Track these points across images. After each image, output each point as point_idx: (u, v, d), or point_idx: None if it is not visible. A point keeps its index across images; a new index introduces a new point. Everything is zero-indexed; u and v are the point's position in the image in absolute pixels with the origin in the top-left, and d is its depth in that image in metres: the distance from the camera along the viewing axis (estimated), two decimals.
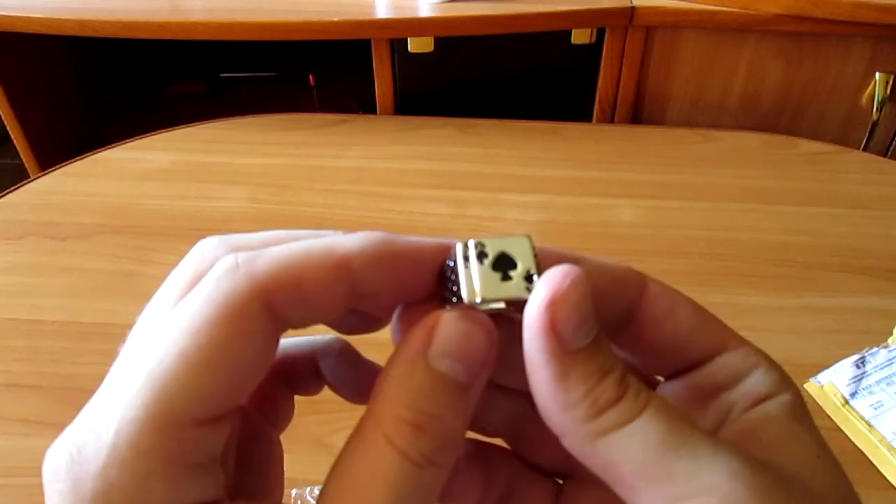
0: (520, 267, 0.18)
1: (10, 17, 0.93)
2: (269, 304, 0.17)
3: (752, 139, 0.89)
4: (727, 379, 0.19)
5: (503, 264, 0.18)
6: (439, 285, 0.19)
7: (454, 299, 0.18)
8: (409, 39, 0.98)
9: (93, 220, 0.74)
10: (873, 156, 0.88)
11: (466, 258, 0.18)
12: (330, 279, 0.18)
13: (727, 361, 0.19)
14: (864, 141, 0.98)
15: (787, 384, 0.19)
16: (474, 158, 0.84)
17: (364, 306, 0.19)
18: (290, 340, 0.23)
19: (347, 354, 0.23)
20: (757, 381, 0.19)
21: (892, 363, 0.55)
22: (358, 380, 0.23)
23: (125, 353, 0.18)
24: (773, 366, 0.20)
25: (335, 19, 0.90)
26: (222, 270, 0.17)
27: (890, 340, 0.57)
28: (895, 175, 0.81)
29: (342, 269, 0.18)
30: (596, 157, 0.85)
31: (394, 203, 0.77)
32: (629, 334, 0.20)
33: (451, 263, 0.19)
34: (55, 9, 0.94)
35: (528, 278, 0.18)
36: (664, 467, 0.16)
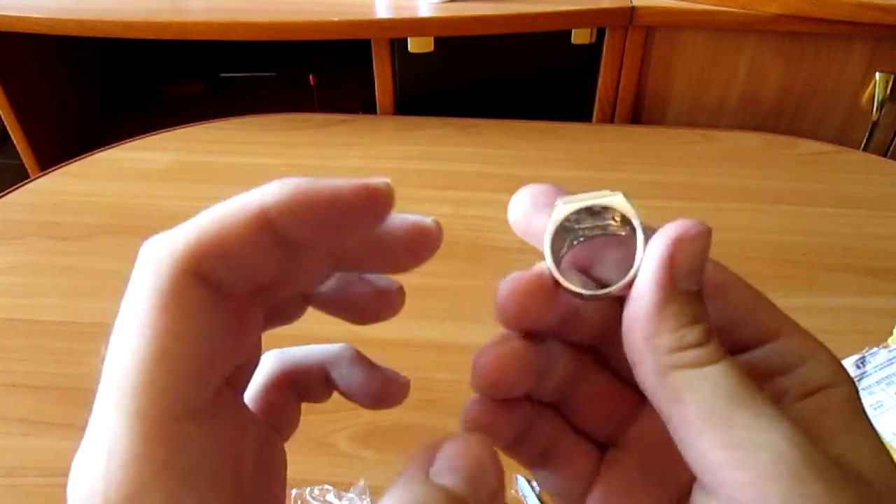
0: (617, 216, 0.21)
1: (10, 17, 0.93)
2: (198, 273, 0.17)
3: (752, 139, 0.89)
4: (782, 364, 0.19)
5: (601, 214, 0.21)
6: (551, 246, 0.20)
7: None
8: (409, 39, 0.98)
9: (93, 220, 0.74)
10: (873, 156, 0.88)
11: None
12: (250, 232, 0.18)
13: (782, 347, 0.19)
14: (864, 141, 0.98)
15: (845, 376, 0.19)
16: (474, 158, 0.84)
17: (306, 258, 0.19)
18: (300, 349, 0.23)
19: (359, 361, 0.23)
20: (814, 370, 0.19)
21: (892, 363, 0.55)
22: (371, 386, 0.23)
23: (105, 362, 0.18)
24: (832, 357, 0.19)
25: (335, 19, 0.90)
26: (145, 257, 0.17)
27: (890, 340, 0.57)
28: (895, 175, 0.81)
29: (260, 220, 0.18)
30: (596, 157, 0.85)
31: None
32: None
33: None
34: (55, 9, 0.94)
35: (627, 222, 0.20)
36: (728, 414, 0.17)
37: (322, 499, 0.47)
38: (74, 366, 0.58)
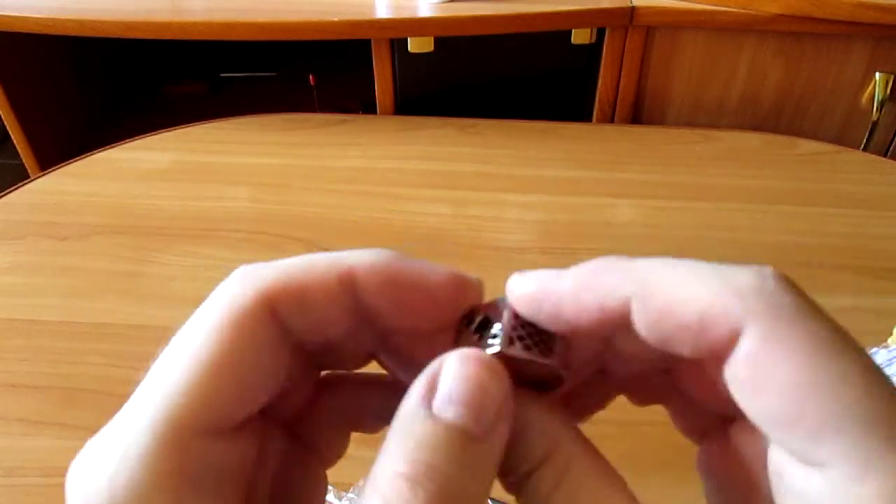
0: (495, 328, 0.18)
1: (10, 17, 0.93)
2: (273, 310, 0.17)
3: (752, 139, 0.89)
4: (829, 497, 0.14)
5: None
6: (456, 333, 0.19)
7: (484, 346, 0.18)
8: (409, 39, 0.98)
9: (93, 220, 0.74)
10: (873, 156, 0.88)
11: (489, 321, 0.18)
12: (333, 289, 0.18)
13: (834, 477, 0.14)
14: (864, 141, 0.98)
15: None
16: (474, 158, 0.84)
17: (372, 326, 0.19)
18: (359, 378, 0.22)
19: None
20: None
21: (892, 363, 0.55)
22: None
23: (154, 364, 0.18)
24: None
25: (335, 19, 0.90)
26: (231, 278, 0.18)
27: (890, 340, 0.57)
28: (895, 175, 0.81)
29: (345, 280, 0.18)
30: (596, 157, 0.85)
31: (394, 203, 0.77)
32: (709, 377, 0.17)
33: (477, 319, 0.19)
34: (55, 9, 0.94)
35: (494, 336, 0.18)
36: None
37: (322, 498, 0.47)
38: (74, 366, 0.58)
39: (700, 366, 0.17)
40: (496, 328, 0.18)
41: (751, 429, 0.16)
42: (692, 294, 0.16)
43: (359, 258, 0.18)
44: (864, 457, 0.14)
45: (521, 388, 0.18)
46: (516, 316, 0.18)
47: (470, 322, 0.19)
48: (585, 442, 0.18)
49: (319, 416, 0.21)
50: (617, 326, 0.17)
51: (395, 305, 0.18)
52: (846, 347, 0.15)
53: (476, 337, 0.18)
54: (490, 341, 0.18)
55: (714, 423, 0.20)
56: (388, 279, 0.18)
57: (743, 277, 0.16)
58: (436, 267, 0.19)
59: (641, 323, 0.16)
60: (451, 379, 0.16)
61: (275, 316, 0.17)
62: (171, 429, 0.16)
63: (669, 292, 0.16)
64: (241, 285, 0.17)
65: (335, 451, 0.22)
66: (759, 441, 0.17)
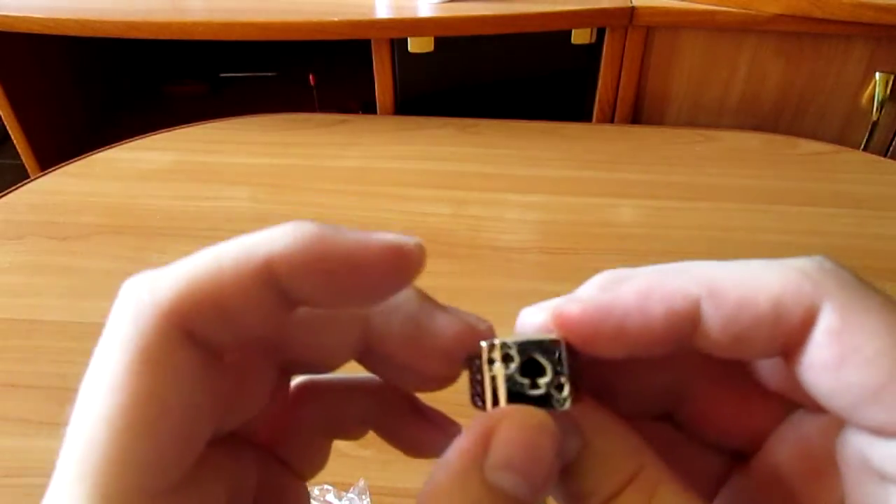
0: (549, 375, 0.16)
1: (10, 17, 0.93)
2: (186, 329, 0.14)
3: (752, 139, 0.89)
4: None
5: (531, 370, 0.16)
6: (470, 379, 0.17)
7: (479, 402, 0.17)
8: (409, 39, 0.98)
9: (93, 220, 0.74)
10: (873, 156, 0.88)
11: (491, 360, 0.16)
12: (250, 287, 0.15)
13: None
14: (864, 141, 0.98)
15: None
16: (474, 158, 0.84)
17: (318, 315, 0.17)
18: (335, 381, 0.20)
19: (406, 407, 0.20)
20: None
21: None
22: (417, 438, 0.20)
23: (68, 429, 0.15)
24: None
25: (335, 19, 0.90)
26: (125, 302, 0.15)
27: None
28: (895, 175, 0.81)
29: (263, 274, 0.15)
30: (596, 157, 0.85)
31: (394, 203, 0.77)
32: (793, 365, 0.16)
33: (477, 362, 0.17)
34: (55, 9, 0.94)
35: (559, 387, 0.16)
36: None
37: (322, 499, 0.47)
38: (74, 366, 0.58)
39: (725, 386, 0.17)
40: (548, 377, 0.16)
41: (793, 438, 0.16)
42: (763, 283, 0.15)
43: (277, 243, 0.15)
44: None
45: (598, 406, 0.16)
46: (565, 356, 0.16)
47: (498, 360, 0.16)
48: (662, 461, 0.16)
49: (296, 428, 0.19)
50: (681, 338, 0.16)
51: (328, 291, 0.15)
52: None
53: (525, 383, 0.16)
54: (554, 394, 0.16)
55: (723, 464, 0.19)
56: (313, 263, 0.15)
57: (802, 262, 0.15)
58: (365, 237, 0.16)
59: (714, 323, 0.15)
60: (509, 445, 0.15)
61: (189, 334, 0.14)
62: (117, 501, 0.13)
63: (739, 286, 0.15)
64: (139, 312, 0.14)
65: (316, 463, 0.20)
66: (813, 442, 0.17)
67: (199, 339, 0.15)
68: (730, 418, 0.18)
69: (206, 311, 0.14)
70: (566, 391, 0.16)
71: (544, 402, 0.16)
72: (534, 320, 0.17)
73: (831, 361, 0.14)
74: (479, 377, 0.17)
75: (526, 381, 0.16)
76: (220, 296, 0.14)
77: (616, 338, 0.15)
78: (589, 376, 0.17)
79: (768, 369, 0.17)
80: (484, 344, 0.16)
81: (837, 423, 0.16)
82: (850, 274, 0.15)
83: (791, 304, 0.15)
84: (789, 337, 0.15)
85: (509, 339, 0.16)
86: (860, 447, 0.15)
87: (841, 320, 0.14)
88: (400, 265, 0.16)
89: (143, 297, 0.15)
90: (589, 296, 0.16)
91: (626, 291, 0.16)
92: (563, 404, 0.16)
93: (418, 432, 0.20)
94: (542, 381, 0.16)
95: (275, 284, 0.15)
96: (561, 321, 0.16)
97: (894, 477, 0.14)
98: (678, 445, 0.19)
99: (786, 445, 0.17)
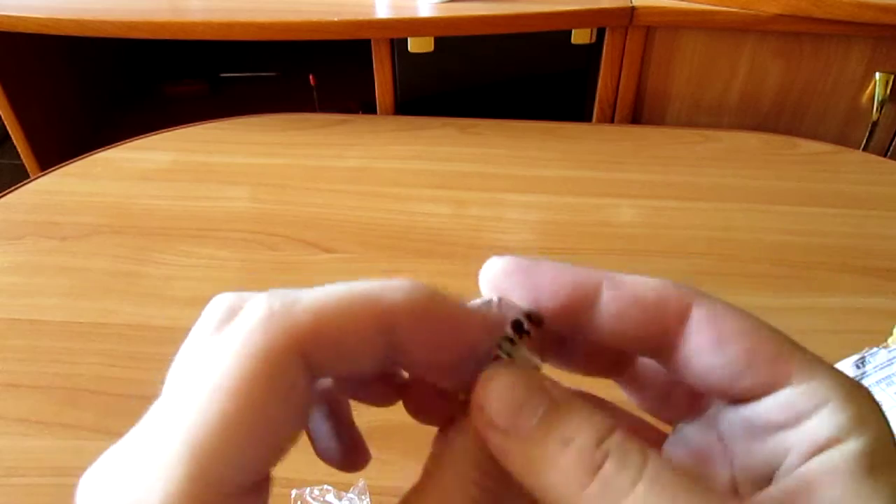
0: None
1: (10, 17, 0.93)
2: (305, 355, 0.16)
3: (752, 139, 0.89)
4: (786, 417, 0.17)
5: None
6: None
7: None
8: (409, 39, 0.98)
9: (93, 220, 0.74)
10: (873, 156, 0.88)
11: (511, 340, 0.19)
12: (371, 332, 0.17)
13: (788, 397, 0.17)
14: (864, 141, 0.98)
15: (860, 426, 0.16)
16: (474, 158, 0.84)
17: (399, 362, 0.19)
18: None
19: (332, 417, 0.22)
20: (821, 423, 0.17)
21: (892, 363, 0.55)
22: (335, 447, 0.22)
23: (165, 398, 0.17)
24: (850, 402, 0.17)
25: (335, 19, 0.90)
26: (256, 318, 0.16)
27: (890, 340, 0.57)
28: (895, 175, 0.81)
29: (384, 323, 0.17)
30: (596, 157, 0.85)
31: (394, 203, 0.77)
32: (673, 360, 0.19)
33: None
34: (55, 9, 0.94)
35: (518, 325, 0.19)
36: None
37: (322, 499, 0.47)
38: (74, 366, 0.58)
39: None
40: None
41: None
42: (649, 284, 0.19)
43: (394, 297, 0.17)
44: (812, 363, 0.18)
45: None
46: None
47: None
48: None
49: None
50: (583, 309, 0.19)
51: (427, 345, 0.18)
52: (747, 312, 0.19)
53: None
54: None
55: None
56: (425, 320, 0.17)
57: (669, 280, 0.19)
58: (466, 306, 0.18)
59: (610, 305, 0.18)
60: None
61: (306, 359, 0.16)
62: (209, 493, 0.15)
63: (632, 281, 0.19)
64: (270, 329, 0.16)
65: None
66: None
67: (312, 365, 0.16)
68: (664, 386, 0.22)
69: (328, 346, 0.16)
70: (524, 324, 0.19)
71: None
72: (504, 267, 0.20)
73: (709, 342, 0.18)
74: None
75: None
76: (342, 334, 0.17)
77: (531, 293, 0.19)
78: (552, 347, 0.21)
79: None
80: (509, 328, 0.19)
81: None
82: (706, 292, 0.19)
83: (671, 298, 0.18)
84: (670, 325, 0.18)
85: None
86: (740, 418, 0.19)
87: (712, 311, 0.18)
88: (487, 330, 0.18)
89: (274, 315, 0.16)
90: (521, 260, 0.19)
91: (546, 262, 0.19)
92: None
93: (338, 447, 0.22)
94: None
95: (389, 332, 0.17)
96: (491, 269, 0.19)
97: (776, 423, 0.17)
98: (616, 410, 0.22)
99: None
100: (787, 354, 0.18)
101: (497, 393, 0.17)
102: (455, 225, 0.73)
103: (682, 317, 0.18)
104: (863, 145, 0.98)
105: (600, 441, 0.16)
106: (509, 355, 0.18)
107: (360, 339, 0.17)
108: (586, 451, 0.16)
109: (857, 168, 0.83)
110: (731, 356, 0.18)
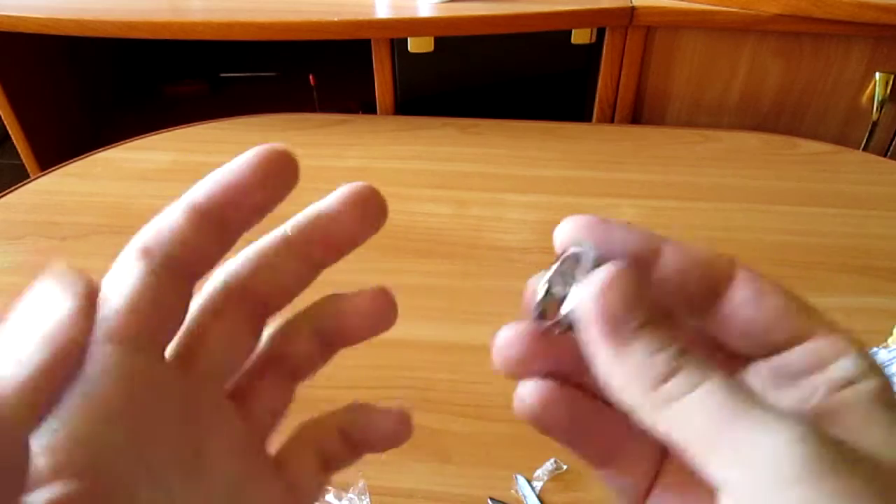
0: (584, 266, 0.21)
1: (10, 17, 0.93)
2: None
3: (752, 139, 0.89)
4: (812, 364, 0.20)
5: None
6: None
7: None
8: (409, 39, 0.98)
9: (93, 220, 0.74)
10: (873, 156, 0.88)
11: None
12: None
13: (814, 347, 0.20)
14: (864, 141, 0.98)
15: (875, 371, 0.19)
16: (474, 158, 0.84)
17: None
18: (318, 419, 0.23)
19: (371, 408, 0.24)
20: (843, 367, 0.19)
21: (893, 363, 0.55)
22: (385, 427, 0.24)
23: None
24: (865, 355, 0.20)
25: (335, 19, 0.90)
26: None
27: (890, 340, 0.57)
28: (895, 175, 0.81)
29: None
30: (596, 157, 0.85)
31: (394, 203, 0.76)
32: (717, 315, 0.21)
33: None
34: (55, 9, 0.94)
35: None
36: (723, 435, 0.17)
37: (322, 499, 0.47)
38: None
39: None
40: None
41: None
42: (698, 247, 0.21)
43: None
44: (832, 323, 0.21)
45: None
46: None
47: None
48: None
49: (292, 462, 0.23)
50: (648, 264, 0.21)
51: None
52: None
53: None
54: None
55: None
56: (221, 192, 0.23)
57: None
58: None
59: (672, 260, 0.21)
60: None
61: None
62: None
63: (687, 245, 0.21)
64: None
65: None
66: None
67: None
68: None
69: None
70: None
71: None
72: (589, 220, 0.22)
73: (751, 296, 0.20)
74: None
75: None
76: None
77: (606, 244, 0.21)
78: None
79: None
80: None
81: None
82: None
83: (718, 261, 0.21)
84: (719, 281, 0.21)
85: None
86: (769, 368, 0.21)
87: (751, 272, 0.21)
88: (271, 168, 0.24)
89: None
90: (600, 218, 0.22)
91: (615, 221, 0.21)
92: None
93: (387, 425, 0.24)
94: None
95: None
96: (568, 226, 0.22)
97: (805, 368, 0.20)
98: (626, 433, 0.23)
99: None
100: (811, 312, 0.21)
101: (613, 289, 0.19)
102: (455, 225, 0.73)
103: (730, 275, 0.21)
104: (863, 145, 0.98)
105: (682, 352, 0.18)
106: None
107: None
108: (670, 357, 0.18)
109: (857, 168, 0.83)
110: (769, 309, 0.20)
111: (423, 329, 0.61)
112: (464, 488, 0.49)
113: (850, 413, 0.18)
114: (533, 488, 0.49)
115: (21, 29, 0.94)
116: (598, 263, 0.20)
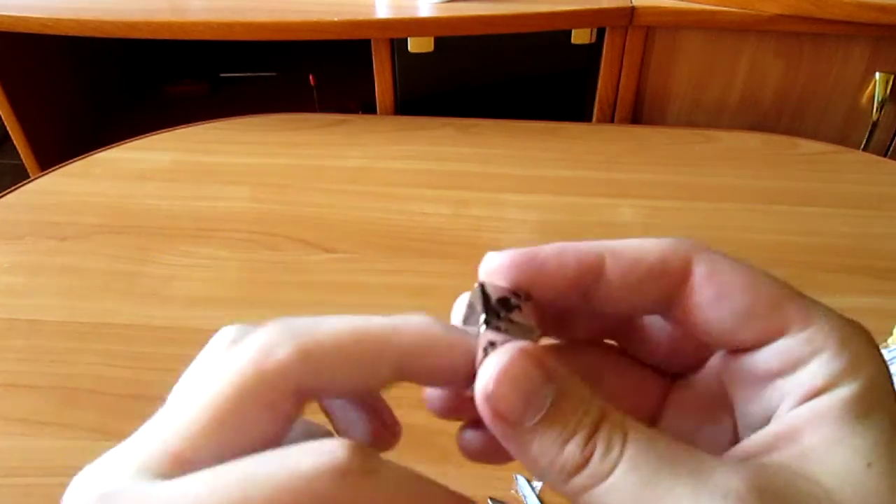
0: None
1: (10, 17, 0.93)
2: (296, 383, 0.17)
3: (752, 139, 0.89)
4: (783, 365, 0.18)
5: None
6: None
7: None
8: (409, 39, 0.98)
9: (93, 220, 0.74)
10: (873, 156, 0.87)
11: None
12: (376, 368, 0.17)
13: (786, 346, 0.18)
14: (864, 141, 0.98)
15: (854, 371, 0.17)
16: (474, 158, 0.84)
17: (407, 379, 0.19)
18: None
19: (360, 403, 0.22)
20: (815, 371, 0.17)
21: (893, 363, 0.55)
22: (365, 427, 0.22)
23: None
24: (844, 350, 0.17)
25: (335, 19, 0.90)
26: (250, 348, 0.17)
27: (890, 340, 0.57)
28: (895, 175, 0.81)
29: (391, 360, 0.18)
30: (596, 157, 0.85)
31: (394, 203, 0.77)
32: (679, 313, 0.19)
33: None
34: (55, 9, 0.94)
35: (486, 321, 0.19)
36: None
37: None
38: (74, 366, 0.58)
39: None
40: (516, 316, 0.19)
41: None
42: (650, 246, 0.19)
43: (404, 340, 0.18)
44: (810, 309, 0.18)
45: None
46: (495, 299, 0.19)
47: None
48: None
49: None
50: (590, 284, 0.19)
51: (434, 372, 0.18)
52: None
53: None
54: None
55: (664, 384, 0.22)
56: (433, 356, 0.18)
57: (673, 238, 0.19)
58: (459, 301, 0.20)
59: (615, 275, 0.19)
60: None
61: (297, 388, 0.17)
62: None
63: (633, 248, 0.19)
64: (259, 361, 0.16)
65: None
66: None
67: (304, 391, 0.17)
68: (652, 344, 0.22)
69: (324, 377, 0.17)
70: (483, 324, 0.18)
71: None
72: (501, 260, 0.20)
73: (710, 298, 0.19)
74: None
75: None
76: (344, 369, 0.17)
77: (541, 276, 0.19)
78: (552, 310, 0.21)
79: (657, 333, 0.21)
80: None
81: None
82: (707, 246, 0.20)
83: (672, 259, 0.19)
84: (674, 285, 0.19)
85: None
86: (741, 367, 0.19)
87: (712, 266, 0.19)
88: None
89: (269, 348, 0.17)
90: (520, 249, 0.20)
91: (546, 247, 0.19)
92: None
93: (368, 427, 0.23)
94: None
95: (396, 368, 0.18)
96: (493, 264, 0.20)
97: (774, 371, 0.18)
98: (624, 366, 0.22)
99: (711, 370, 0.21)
100: (784, 304, 0.18)
101: (503, 387, 0.17)
102: (455, 225, 0.73)
103: (685, 275, 0.19)
104: (863, 145, 0.98)
105: (592, 434, 0.16)
106: (502, 331, 0.18)
107: (363, 373, 0.17)
108: (578, 449, 0.16)
109: (857, 168, 0.83)
110: (731, 310, 0.18)
111: None
112: (463, 488, 0.49)
113: (815, 431, 0.17)
114: (533, 488, 0.49)
115: (21, 29, 0.94)
116: (507, 303, 0.19)
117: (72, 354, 0.59)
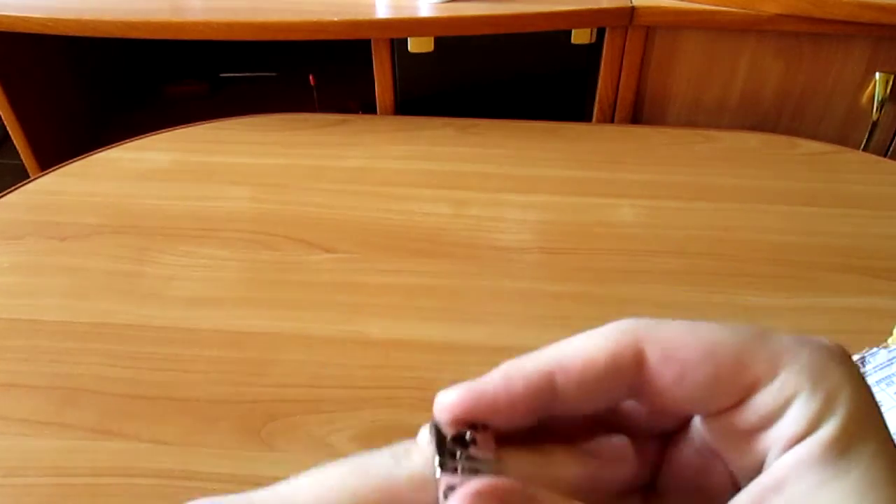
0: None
1: (10, 17, 0.93)
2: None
3: (752, 139, 0.89)
4: (762, 420, 0.18)
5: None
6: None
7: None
8: (409, 39, 0.98)
9: (93, 220, 0.74)
10: (873, 156, 0.88)
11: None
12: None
13: (761, 401, 0.18)
14: (864, 141, 0.98)
15: (830, 409, 0.17)
16: (474, 158, 0.84)
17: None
18: None
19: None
20: (794, 416, 0.17)
21: (892, 363, 0.55)
22: None
23: None
24: (817, 388, 0.17)
25: (335, 19, 0.90)
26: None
27: (890, 340, 0.57)
28: (895, 175, 0.81)
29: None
30: (596, 157, 0.85)
31: (394, 203, 0.77)
32: (644, 398, 0.19)
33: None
34: (55, 9, 0.94)
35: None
36: None
37: None
38: (74, 366, 0.58)
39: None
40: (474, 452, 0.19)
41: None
42: (595, 347, 0.19)
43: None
44: (776, 354, 0.18)
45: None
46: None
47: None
48: None
49: None
50: (545, 403, 0.19)
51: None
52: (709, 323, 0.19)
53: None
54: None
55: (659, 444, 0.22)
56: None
57: (618, 324, 0.19)
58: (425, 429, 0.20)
59: (569, 388, 0.19)
60: None
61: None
62: None
63: (581, 354, 0.19)
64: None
65: None
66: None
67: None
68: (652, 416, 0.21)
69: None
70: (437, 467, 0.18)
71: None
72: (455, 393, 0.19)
73: (673, 378, 0.18)
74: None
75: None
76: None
77: (493, 412, 0.19)
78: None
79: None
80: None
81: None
82: (652, 319, 0.19)
83: (622, 354, 0.19)
84: (631, 378, 0.19)
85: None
86: (722, 427, 0.19)
87: (664, 348, 0.19)
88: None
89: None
90: (468, 383, 0.19)
91: (492, 376, 0.19)
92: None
93: None
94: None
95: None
96: (443, 406, 0.19)
97: (755, 426, 0.18)
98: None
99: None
100: (747, 360, 0.18)
101: None
102: (455, 225, 0.73)
103: (638, 365, 0.19)
104: (863, 145, 0.98)
105: None
106: (460, 471, 0.18)
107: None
108: None
109: (857, 168, 0.83)
110: (695, 386, 0.18)
111: (423, 329, 0.61)
112: None
113: (800, 479, 0.17)
114: None
115: (21, 29, 0.94)
116: (463, 440, 0.19)
117: (72, 354, 0.59)
